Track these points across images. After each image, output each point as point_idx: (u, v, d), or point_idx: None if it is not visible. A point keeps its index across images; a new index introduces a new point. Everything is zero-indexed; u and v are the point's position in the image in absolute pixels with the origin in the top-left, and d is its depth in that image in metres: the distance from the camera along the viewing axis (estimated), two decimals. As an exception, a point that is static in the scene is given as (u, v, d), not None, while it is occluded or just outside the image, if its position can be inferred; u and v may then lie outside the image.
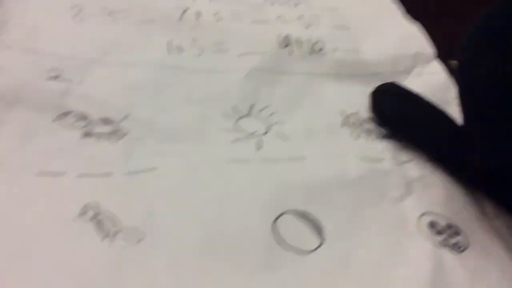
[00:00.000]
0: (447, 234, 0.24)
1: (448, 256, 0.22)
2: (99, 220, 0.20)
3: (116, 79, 0.27)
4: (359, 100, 0.30)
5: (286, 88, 0.30)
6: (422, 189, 0.25)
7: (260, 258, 0.21)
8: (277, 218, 0.22)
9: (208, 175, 0.23)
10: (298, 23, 0.34)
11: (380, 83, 0.30)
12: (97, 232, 0.20)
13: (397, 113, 0.27)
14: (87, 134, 0.24)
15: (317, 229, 0.22)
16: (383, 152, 0.27)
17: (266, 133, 0.26)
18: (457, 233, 0.24)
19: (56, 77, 0.26)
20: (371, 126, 0.28)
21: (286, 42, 0.32)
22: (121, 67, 0.28)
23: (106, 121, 0.25)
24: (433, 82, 0.32)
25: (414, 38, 0.36)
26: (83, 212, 0.20)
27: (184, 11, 0.33)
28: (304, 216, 0.23)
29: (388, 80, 0.31)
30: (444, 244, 0.23)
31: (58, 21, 0.30)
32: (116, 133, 0.24)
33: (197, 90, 0.28)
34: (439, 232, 0.24)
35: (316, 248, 0.22)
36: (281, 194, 0.23)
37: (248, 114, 0.27)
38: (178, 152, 0.24)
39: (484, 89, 0.20)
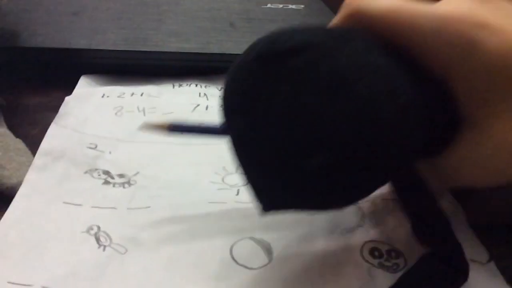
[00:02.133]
0: (385, 258, 0.27)
1: (381, 275, 0.26)
2: (98, 236, 0.27)
3: (135, 151, 0.36)
4: None
5: None
6: (372, 222, 0.29)
7: (218, 270, 0.26)
8: (234, 244, 0.27)
9: (188, 212, 0.30)
10: None
11: None
12: (96, 242, 0.27)
13: None
14: (106, 183, 0.32)
15: (267, 251, 0.27)
16: None
17: (245, 185, 0.32)
18: (397, 257, 0.27)
19: (93, 148, 0.35)
20: None
21: None
22: (140, 144, 0.37)
23: (121, 175, 0.33)
24: None
25: None
26: (89, 229, 0.28)
27: (197, 105, 0.42)
28: (258, 242, 0.28)
29: None
30: (380, 265, 0.26)
31: (104, 115, 0.40)
32: (127, 183, 0.32)
33: (196, 156, 0.36)
34: (379, 257, 0.27)
35: (263, 266, 0.26)
36: (243, 226, 0.29)
37: (233, 173, 0.34)
38: (169, 196, 0.31)
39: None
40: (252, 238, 0.28)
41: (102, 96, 0.43)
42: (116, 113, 0.41)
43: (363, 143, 0.19)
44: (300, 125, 0.20)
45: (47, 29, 0.49)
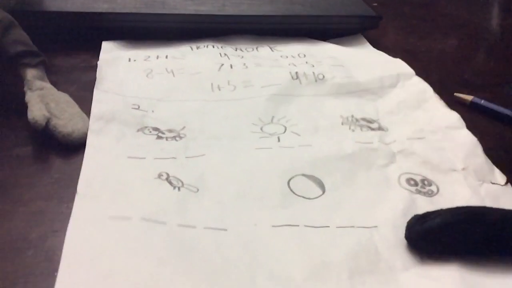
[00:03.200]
0: (421, 186, 0.31)
1: (420, 199, 0.30)
2: (170, 180, 0.30)
3: (176, 109, 0.38)
4: (353, 107, 0.40)
5: (297, 105, 0.40)
6: (402, 159, 0.33)
7: (278, 201, 0.29)
8: (290, 179, 0.31)
9: (241, 156, 0.33)
10: (305, 66, 0.45)
11: (369, 95, 0.41)
12: (170, 185, 0.30)
13: None
14: (159, 137, 0.34)
15: (320, 184, 0.31)
16: (372, 137, 0.35)
17: (283, 132, 0.36)
18: (429, 184, 0.31)
19: (136, 108, 0.38)
20: (363, 122, 0.37)
21: (296, 76, 0.42)
22: (178, 102, 0.39)
23: (170, 130, 0.35)
24: (414, 89, 0.42)
25: (396, 63, 0.47)
26: (159, 176, 0.30)
27: (222, 65, 0.45)
28: (310, 177, 0.31)
29: (378, 93, 0.41)
30: (418, 191, 0.30)
31: (137, 78, 0.42)
32: (178, 136, 0.35)
33: (232, 111, 0.38)
34: (415, 185, 0.31)
35: (318, 196, 0.30)
36: (293, 165, 0.32)
37: (270, 123, 0.37)
38: (220, 145, 0.34)
39: None
40: (304, 175, 0.31)
41: (129, 60, 0.45)
42: (147, 75, 0.43)
43: None
44: None
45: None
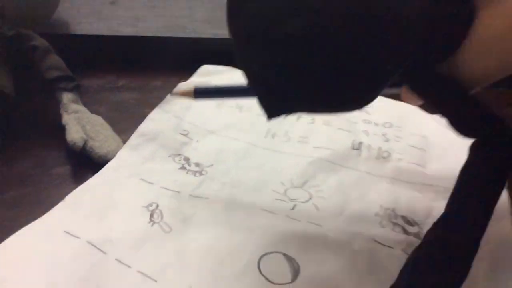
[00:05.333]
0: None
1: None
2: (153, 212, 0.31)
3: (219, 145, 0.38)
4: (401, 200, 0.32)
5: (340, 178, 0.34)
6: None
7: (241, 273, 0.27)
8: (264, 255, 0.28)
9: (241, 212, 0.31)
10: (377, 137, 0.39)
11: (431, 194, 0.31)
12: (149, 218, 0.30)
13: None
14: (182, 168, 0.35)
15: (295, 271, 0.27)
16: (399, 243, 0.29)
17: (305, 202, 0.33)
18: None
19: (184, 134, 0.39)
20: (400, 221, 0.31)
21: (357, 147, 0.38)
22: (227, 139, 0.39)
23: (197, 164, 0.36)
24: None
25: None
26: (148, 205, 0.31)
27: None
28: (289, 259, 0.28)
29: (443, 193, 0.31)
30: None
31: (206, 106, 0.42)
32: (199, 172, 0.35)
33: (270, 163, 0.36)
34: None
35: (285, 284, 0.27)
36: (282, 241, 0.29)
37: (298, 187, 0.34)
38: (229, 194, 0.33)
39: None
40: (284, 254, 0.28)
41: None
42: (217, 106, 0.43)
43: (342, 11, 0.18)
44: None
45: (92, 18, 0.52)
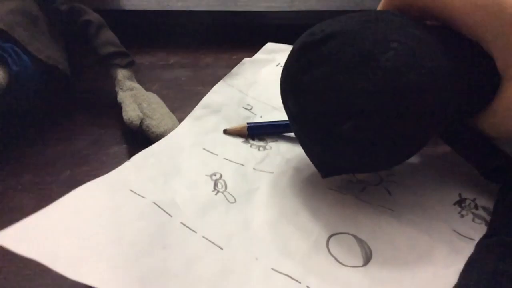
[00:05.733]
0: None
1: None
2: (216, 182, 0.30)
3: (282, 118, 0.36)
4: (488, 192, 0.29)
5: (411, 161, 0.32)
6: None
7: (308, 251, 0.26)
8: (336, 234, 0.27)
9: (308, 190, 0.30)
10: None
11: None
12: (213, 187, 0.29)
13: None
14: (246, 142, 0.34)
15: (366, 254, 0.26)
16: (479, 233, 0.27)
17: (375, 185, 0.31)
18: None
19: (248, 109, 0.38)
20: (482, 213, 0.28)
21: None
22: None
23: (261, 139, 0.35)
24: None
25: None
26: (212, 174, 0.30)
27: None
28: (360, 242, 0.26)
29: None
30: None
31: (270, 82, 0.41)
32: (263, 147, 0.34)
33: None
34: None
35: (357, 267, 0.25)
36: (352, 223, 0.28)
37: None
38: (294, 170, 0.31)
39: None
40: (355, 236, 0.26)
41: (277, 65, 0.44)
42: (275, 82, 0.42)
43: (387, 111, 0.22)
44: (334, 98, 0.23)
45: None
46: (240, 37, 0.50)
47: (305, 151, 0.28)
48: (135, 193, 0.28)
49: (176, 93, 0.40)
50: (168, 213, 0.27)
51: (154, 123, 0.34)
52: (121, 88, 0.37)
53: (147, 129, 0.34)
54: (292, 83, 0.25)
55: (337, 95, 0.23)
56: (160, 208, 0.27)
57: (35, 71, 0.34)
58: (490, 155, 0.28)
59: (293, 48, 0.26)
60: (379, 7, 0.29)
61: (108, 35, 0.38)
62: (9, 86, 0.31)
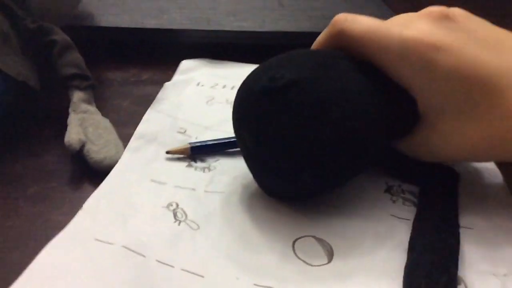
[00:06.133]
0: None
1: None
2: (176, 212, 0.31)
3: (216, 137, 0.38)
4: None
5: None
6: None
7: (275, 259, 0.28)
8: (297, 239, 0.29)
9: (260, 202, 0.32)
10: None
11: None
12: (173, 217, 0.30)
13: None
14: (189, 166, 0.35)
15: (328, 252, 0.28)
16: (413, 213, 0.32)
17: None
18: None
19: (182, 132, 0.39)
20: (409, 196, 0.33)
21: None
22: (224, 133, 0.38)
23: (203, 160, 0.36)
24: None
25: None
26: (168, 205, 0.31)
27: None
28: (320, 241, 0.29)
29: None
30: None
31: (196, 103, 0.43)
32: (207, 168, 0.35)
33: None
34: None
35: (322, 265, 0.28)
36: (308, 225, 0.30)
37: None
38: (244, 186, 0.33)
39: None
40: (314, 237, 0.29)
41: (197, 85, 0.46)
42: (207, 102, 0.44)
43: (340, 157, 0.27)
44: (291, 146, 0.26)
45: (116, 10, 0.52)
46: (213, 55, 0.51)
47: (252, 174, 0.31)
48: (101, 241, 0.28)
49: (146, 109, 0.41)
50: (141, 254, 0.27)
51: (94, 149, 0.34)
52: (74, 110, 0.37)
53: (87, 154, 0.34)
54: (250, 123, 0.28)
55: (295, 143, 0.26)
56: (131, 250, 0.27)
57: (5, 87, 0.35)
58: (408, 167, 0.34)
59: (251, 88, 0.28)
60: (317, 44, 0.32)
61: (72, 56, 0.39)
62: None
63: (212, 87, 0.46)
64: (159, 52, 0.51)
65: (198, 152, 0.36)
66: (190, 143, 0.35)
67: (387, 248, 0.28)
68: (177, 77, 0.47)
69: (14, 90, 0.36)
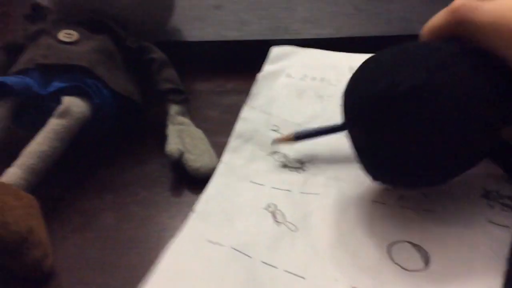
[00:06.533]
0: None
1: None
2: (275, 213, 0.32)
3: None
4: (502, 182, 0.33)
5: None
6: None
7: (371, 263, 0.28)
8: (393, 244, 0.29)
9: (354, 205, 0.32)
10: None
11: None
12: (273, 219, 0.32)
13: None
14: (284, 166, 0.37)
15: (424, 257, 0.29)
16: None
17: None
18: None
19: (275, 130, 0.41)
20: (508, 201, 0.32)
21: None
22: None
23: (298, 161, 0.38)
24: None
25: None
26: (267, 206, 0.33)
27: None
28: (416, 246, 0.29)
29: None
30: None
31: (288, 96, 0.45)
32: (301, 169, 0.37)
33: None
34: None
35: (419, 270, 0.28)
36: (403, 229, 0.30)
37: None
38: (338, 188, 0.34)
39: None
40: (409, 242, 0.29)
41: (287, 76, 0.47)
42: (297, 96, 0.44)
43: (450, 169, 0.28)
44: (406, 154, 0.27)
45: (200, 24, 0.55)
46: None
47: (360, 164, 0.31)
48: (213, 242, 0.30)
49: (234, 117, 0.43)
50: (247, 255, 0.29)
51: (192, 158, 0.38)
52: (172, 122, 0.41)
53: (185, 162, 0.37)
54: (365, 125, 0.28)
55: (414, 152, 0.27)
56: (239, 251, 0.29)
57: (113, 102, 0.38)
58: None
59: (368, 90, 0.27)
60: (431, 32, 0.30)
61: (168, 72, 0.43)
62: (92, 116, 0.36)
63: (301, 79, 0.47)
64: (241, 63, 0.53)
65: (301, 139, 0.37)
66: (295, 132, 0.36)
67: (486, 256, 0.28)
68: (267, 66, 0.48)
69: (120, 105, 0.40)
